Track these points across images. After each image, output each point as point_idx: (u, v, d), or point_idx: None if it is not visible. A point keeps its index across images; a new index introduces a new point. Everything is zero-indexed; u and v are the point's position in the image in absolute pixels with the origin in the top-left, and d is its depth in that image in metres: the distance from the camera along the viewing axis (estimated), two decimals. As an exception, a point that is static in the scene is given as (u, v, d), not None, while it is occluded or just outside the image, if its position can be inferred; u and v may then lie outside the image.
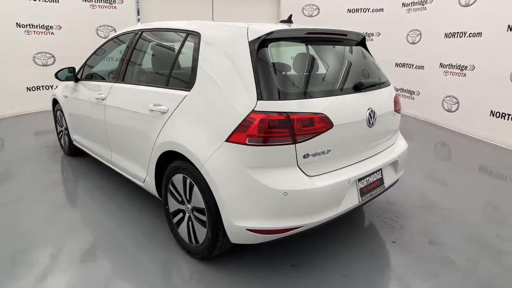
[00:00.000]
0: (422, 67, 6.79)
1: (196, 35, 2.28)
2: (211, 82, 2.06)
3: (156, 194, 2.57)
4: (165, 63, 2.56)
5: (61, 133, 4.32)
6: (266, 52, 1.94)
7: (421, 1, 6.77)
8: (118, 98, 2.84)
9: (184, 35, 2.42)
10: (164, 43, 2.79)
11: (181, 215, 2.31)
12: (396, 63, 7.43)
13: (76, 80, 3.61)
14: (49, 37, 6.79)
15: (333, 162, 2.04)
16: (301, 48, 2.34)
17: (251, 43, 1.94)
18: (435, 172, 4.03)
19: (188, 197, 2.19)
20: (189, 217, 2.23)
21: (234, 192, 1.88)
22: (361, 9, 7.91)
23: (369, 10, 7.85)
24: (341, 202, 2.03)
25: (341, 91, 2.12)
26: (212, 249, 2.12)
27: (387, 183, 2.40)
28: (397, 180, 2.63)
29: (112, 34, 3.83)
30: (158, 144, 2.33)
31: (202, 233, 2.14)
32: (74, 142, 3.97)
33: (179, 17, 7.97)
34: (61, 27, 6.87)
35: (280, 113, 1.81)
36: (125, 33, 3.16)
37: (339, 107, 2.03)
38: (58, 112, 4.18)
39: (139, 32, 2.91)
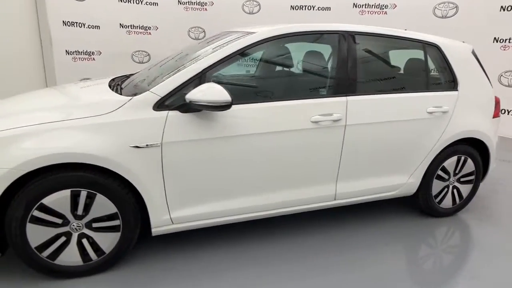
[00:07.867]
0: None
1: (434, 46, 2.88)
2: (470, 82, 2.99)
3: (413, 191, 2.98)
4: (413, 69, 2.95)
5: (63, 235, 2.10)
6: (476, 57, 3.12)
7: (200, 2, 7.74)
8: (373, 113, 2.60)
9: (420, 45, 2.85)
10: (407, 51, 2.99)
11: (446, 190, 3.11)
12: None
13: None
14: None
15: None
16: None
17: (472, 53, 3.09)
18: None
19: (459, 171, 3.07)
20: (453, 187, 3.13)
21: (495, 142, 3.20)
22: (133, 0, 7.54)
23: (143, 3, 7.67)
24: None
25: None
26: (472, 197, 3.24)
27: None
28: None
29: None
30: (443, 139, 2.87)
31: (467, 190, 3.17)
32: (156, 229, 2.30)
33: None
34: None
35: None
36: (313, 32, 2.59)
37: None
38: (97, 196, 2.06)
39: (353, 35, 2.61)
